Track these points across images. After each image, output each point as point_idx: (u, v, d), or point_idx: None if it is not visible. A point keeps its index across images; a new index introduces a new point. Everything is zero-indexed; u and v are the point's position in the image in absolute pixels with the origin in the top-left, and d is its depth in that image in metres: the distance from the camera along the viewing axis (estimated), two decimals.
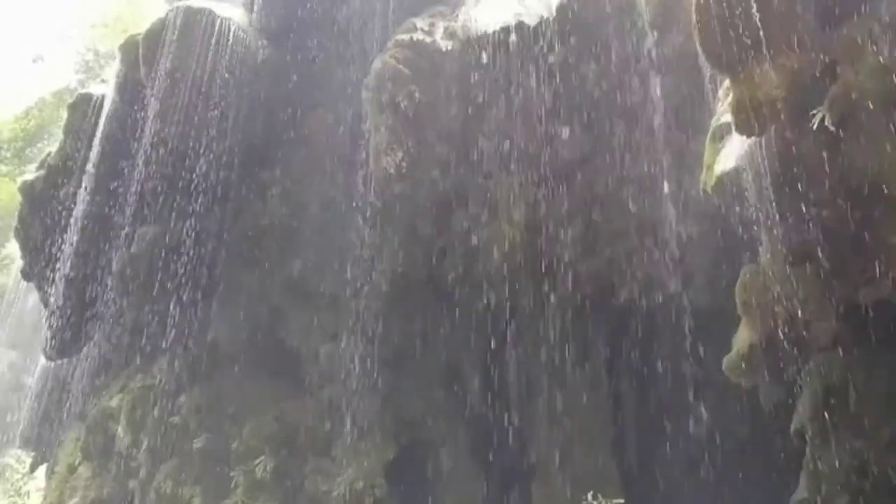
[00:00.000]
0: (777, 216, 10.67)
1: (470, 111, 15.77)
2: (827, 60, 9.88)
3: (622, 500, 14.06)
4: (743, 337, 11.72)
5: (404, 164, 15.75)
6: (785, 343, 10.97)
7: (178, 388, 19.24)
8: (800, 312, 10.75)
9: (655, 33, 14.42)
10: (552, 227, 15.22)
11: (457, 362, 17.53)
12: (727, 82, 11.29)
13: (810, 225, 10.38)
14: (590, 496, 13.85)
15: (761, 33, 9.65)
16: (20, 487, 31.84)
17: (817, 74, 9.93)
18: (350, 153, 17.31)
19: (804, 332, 10.85)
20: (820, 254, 10.40)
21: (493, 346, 16.94)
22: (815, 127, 9.85)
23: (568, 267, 15.30)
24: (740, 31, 9.77)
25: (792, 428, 11.39)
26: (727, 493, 14.78)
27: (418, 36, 16.10)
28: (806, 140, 10.08)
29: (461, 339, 17.26)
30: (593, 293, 15.73)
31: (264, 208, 18.66)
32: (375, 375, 16.97)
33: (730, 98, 10.91)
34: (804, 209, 10.35)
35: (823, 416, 10.73)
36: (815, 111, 9.87)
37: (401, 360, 17.36)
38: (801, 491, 11.17)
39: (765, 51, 9.71)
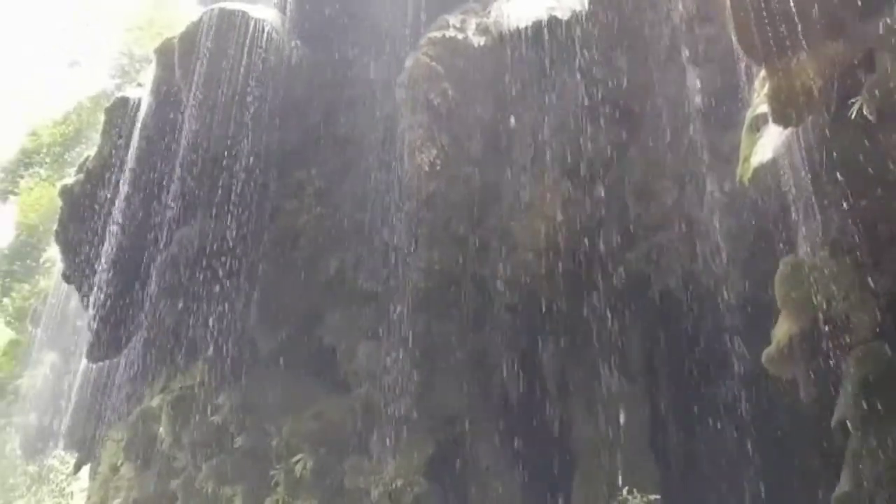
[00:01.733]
0: (815, 207, 10.56)
1: (503, 107, 15.75)
2: (865, 49, 9.76)
3: (658, 496, 14.04)
4: (782, 329, 11.60)
5: (438, 162, 15.76)
6: (825, 335, 10.86)
7: (218, 388, 19.41)
8: (840, 304, 10.64)
9: (689, 24, 14.31)
10: (587, 222, 15.19)
11: (494, 358, 17.51)
12: (763, 72, 11.17)
13: (849, 216, 10.27)
14: (625, 491, 13.86)
15: (797, 22, 9.54)
16: (64, 488, 32.38)
17: (855, 63, 9.81)
18: (384, 152, 17.34)
19: (845, 324, 10.74)
20: (860, 245, 10.29)
21: (529, 341, 16.97)
22: (853, 117, 9.74)
23: (604, 261, 15.27)
24: (776, 19, 9.67)
25: (833, 421, 11.26)
26: (768, 487, 14.68)
27: (450, 33, 16.09)
28: (844, 130, 9.97)
29: (498, 335, 17.27)
30: (630, 287, 15.67)
31: (300, 208, 18.73)
32: (413, 372, 17.02)
33: (766, 88, 10.79)
34: (843, 200, 10.23)
35: (865, 408, 10.61)
36: (853, 101, 9.76)
37: (438, 356, 17.40)
38: (843, 485, 11.03)
39: (801, 40, 9.61)
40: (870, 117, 9.57)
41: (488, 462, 17.36)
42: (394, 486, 16.78)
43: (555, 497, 16.31)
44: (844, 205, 10.18)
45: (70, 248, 21.28)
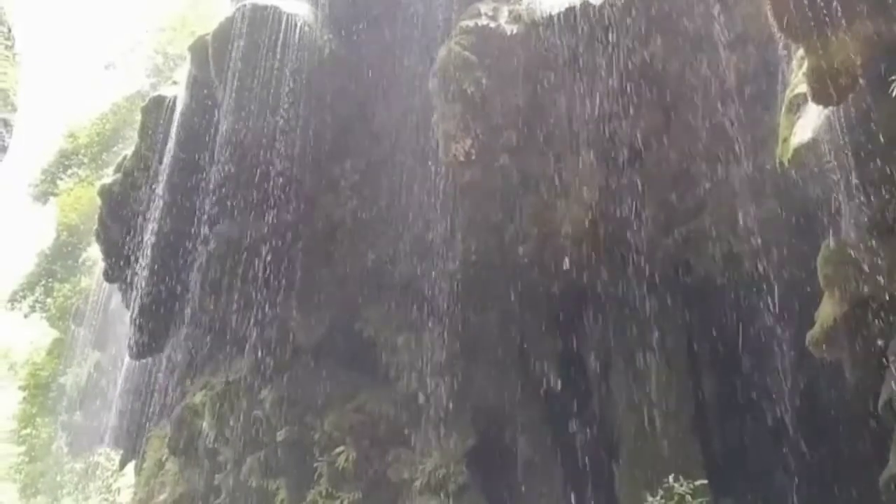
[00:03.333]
0: (858, 187, 10.43)
1: (537, 94, 15.67)
2: None
3: (705, 482, 13.95)
4: (826, 311, 11.50)
5: (473, 151, 15.71)
6: (870, 316, 10.74)
7: (260, 383, 19.48)
8: (885, 284, 10.51)
9: (725, 4, 14.16)
10: (624, 207, 15.10)
11: (533, 347, 17.49)
12: (801, 51, 11.05)
13: (893, 195, 10.14)
14: (671, 479, 13.78)
15: None
16: (110, 485, 32.79)
17: None
18: (419, 142, 17.32)
19: (890, 305, 10.61)
20: None
21: (569, 330, 16.92)
22: (894, 94, 9.60)
23: (643, 246, 15.18)
24: None
25: (879, 403, 11.14)
26: (814, 471, 14.55)
27: (482, 21, 16.00)
28: (886, 107, 9.84)
29: (537, 324, 17.25)
30: (670, 272, 15.60)
31: (336, 202, 18.77)
32: (452, 363, 17.03)
33: (804, 68, 10.66)
34: (886, 179, 10.10)
35: None
36: (894, 78, 9.62)
37: (477, 347, 17.39)
38: (891, 466, 10.96)
39: (840, 17, 9.48)
40: None
41: (530, 451, 17.32)
42: (436, 476, 16.81)
43: (598, 485, 16.25)
44: (888, 183, 10.04)
45: (110, 247, 21.53)
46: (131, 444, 25.51)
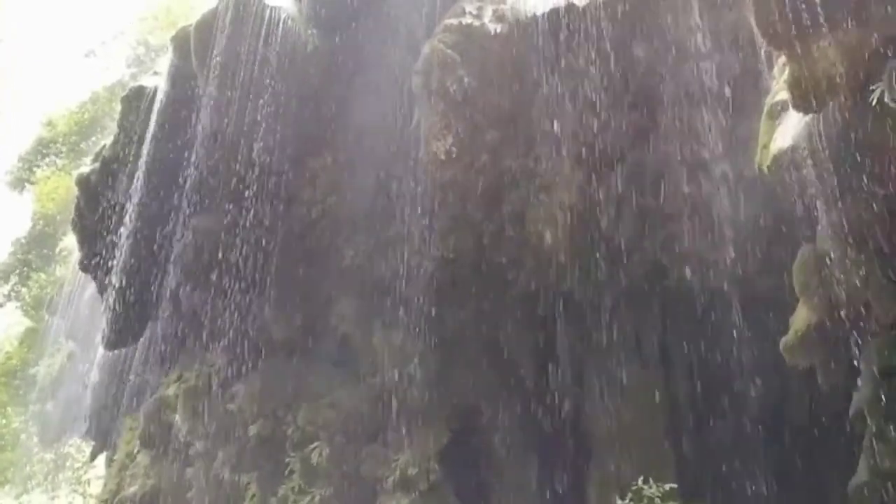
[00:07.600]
0: (836, 195, 10.49)
1: (520, 95, 15.68)
2: (887, 34, 9.68)
3: (675, 485, 13.99)
4: (801, 317, 11.58)
5: (454, 150, 15.72)
6: (844, 324, 10.81)
7: (234, 376, 19.40)
8: (860, 292, 10.58)
9: (709, 11, 14.23)
10: (603, 210, 15.13)
11: (509, 347, 17.53)
12: (783, 59, 11.12)
13: (871, 203, 10.20)
14: (640, 481, 13.82)
15: (819, 7, 9.47)
16: (81, 476, 32.55)
17: (877, 49, 9.72)
18: (400, 140, 17.29)
19: (864, 313, 10.68)
20: (881, 233, 10.23)
21: (545, 331, 16.94)
22: (874, 102, 9.66)
23: (620, 249, 15.21)
24: (797, 5, 9.60)
25: (851, 410, 11.21)
26: (784, 477, 14.64)
27: (467, 20, 16.00)
28: (866, 116, 9.89)
29: (513, 325, 17.27)
30: (646, 276, 15.64)
31: (315, 197, 18.71)
32: (428, 361, 17.03)
33: (786, 75, 10.74)
34: (864, 187, 10.16)
35: (883, 398, 10.55)
36: (874, 86, 9.68)
37: (453, 345, 17.39)
38: (860, 474, 11.02)
39: (823, 25, 9.54)
40: (891, 104, 9.49)
41: (504, 450, 17.37)
42: (409, 473, 16.81)
43: (571, 485, 16.30)
44: (866, 192, 10.11)
45: (86, 237, 21.39)
46: (103, 436, 25.36)
